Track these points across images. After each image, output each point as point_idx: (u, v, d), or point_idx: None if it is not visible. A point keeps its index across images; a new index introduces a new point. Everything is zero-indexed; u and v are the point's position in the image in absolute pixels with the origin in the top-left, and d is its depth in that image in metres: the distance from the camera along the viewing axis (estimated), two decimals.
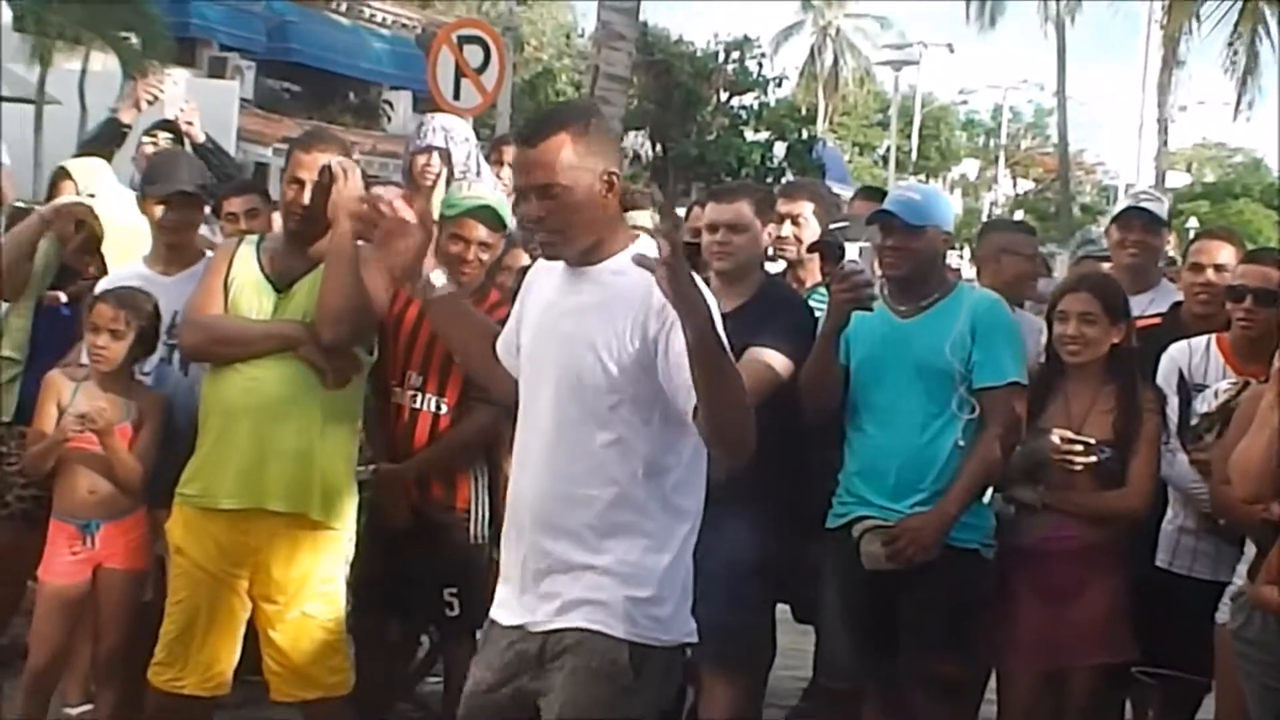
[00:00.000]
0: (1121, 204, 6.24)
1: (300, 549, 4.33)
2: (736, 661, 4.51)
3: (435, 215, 4.70)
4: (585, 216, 3.17)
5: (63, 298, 5.19)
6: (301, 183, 4.33)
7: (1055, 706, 4.60)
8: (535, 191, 3.16)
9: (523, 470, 3.29)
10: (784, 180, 25.01)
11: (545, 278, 3.36)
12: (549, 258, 3.30)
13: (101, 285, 4.81)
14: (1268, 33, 23.97)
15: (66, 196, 5.28)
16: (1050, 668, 4.52)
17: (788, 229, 5.16)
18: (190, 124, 6.18)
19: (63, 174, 5.56)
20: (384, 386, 4.67)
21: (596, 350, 3.14)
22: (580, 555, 3.17)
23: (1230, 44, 24.43)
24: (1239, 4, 22.54)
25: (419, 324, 4.62)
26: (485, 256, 4.72)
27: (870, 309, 4.28)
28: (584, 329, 3.18)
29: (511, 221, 4.86)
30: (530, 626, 3.23)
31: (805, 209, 5.22)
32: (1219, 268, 5.01)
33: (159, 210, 4.80)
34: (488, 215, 4.69)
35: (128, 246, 5.07)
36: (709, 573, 4.32)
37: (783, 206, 5.22)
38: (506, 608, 3.31)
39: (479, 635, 3.57)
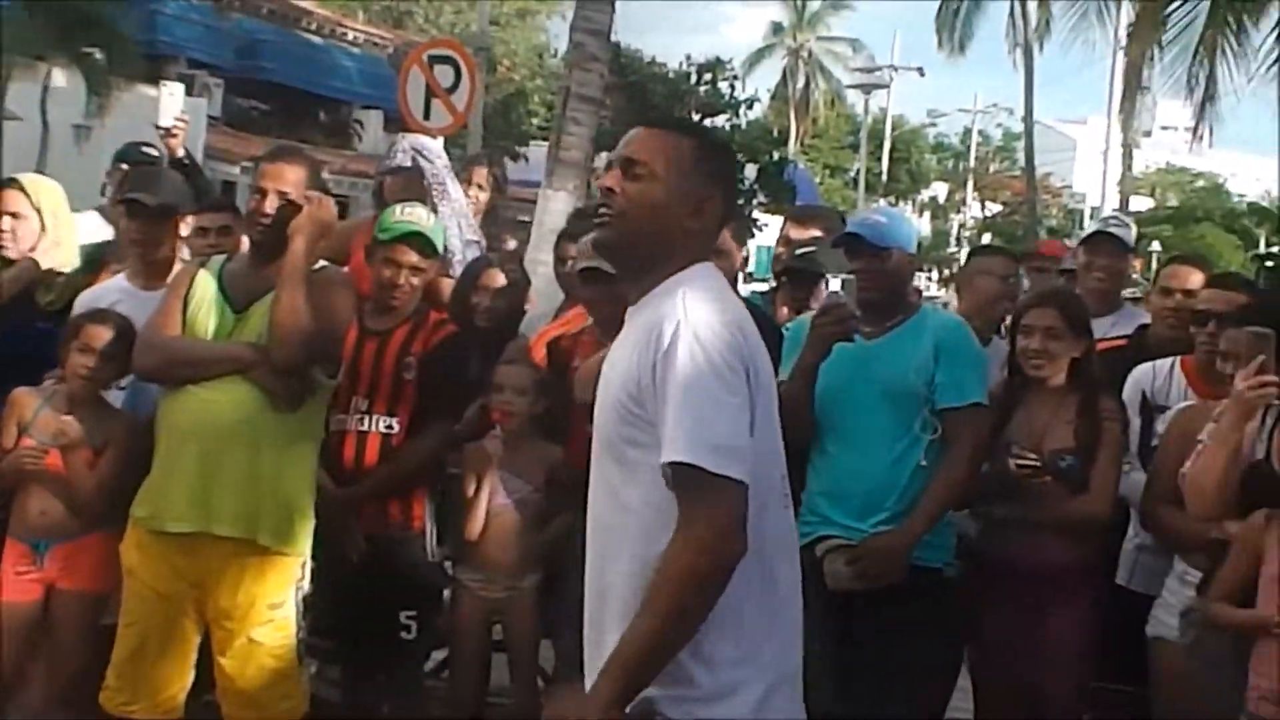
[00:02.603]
0: (1090, 228, 6.29)
1: (248, 574, 4.28)
2: None
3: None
4: (656, 220, 2.76)
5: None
6: (264, 192, 4.33)
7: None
8: (621, 163, 2.80)
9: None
10: (755, 202, 25.15)
11: None
12: (596, 244, 2.91)
13: (82, 300, 4.81)
14: (1226, 61, 24.25)
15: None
16: (1021, 683, 4.55)
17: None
18: (174, 137, 6.18)
19: (12, 184, 5.24)
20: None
21: (619, 393, 2.72)
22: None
23: (1189, 72, 24.67)
24: (1199, 33, 22.79)
25: (360, 348, 4.69)
26: (416, 281, 4.78)
27: (853, 340, 4.29)
28: (615, 371, 2.76)
29: (456, 245, 4.89)
30: None
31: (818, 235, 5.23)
32: (1188, 293, 5.06)
33: (124, 222, 4.81)
34: (419, 241, 4.73)
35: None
36: None
37: (794, 232, 5.23)
38: None
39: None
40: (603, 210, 2.82)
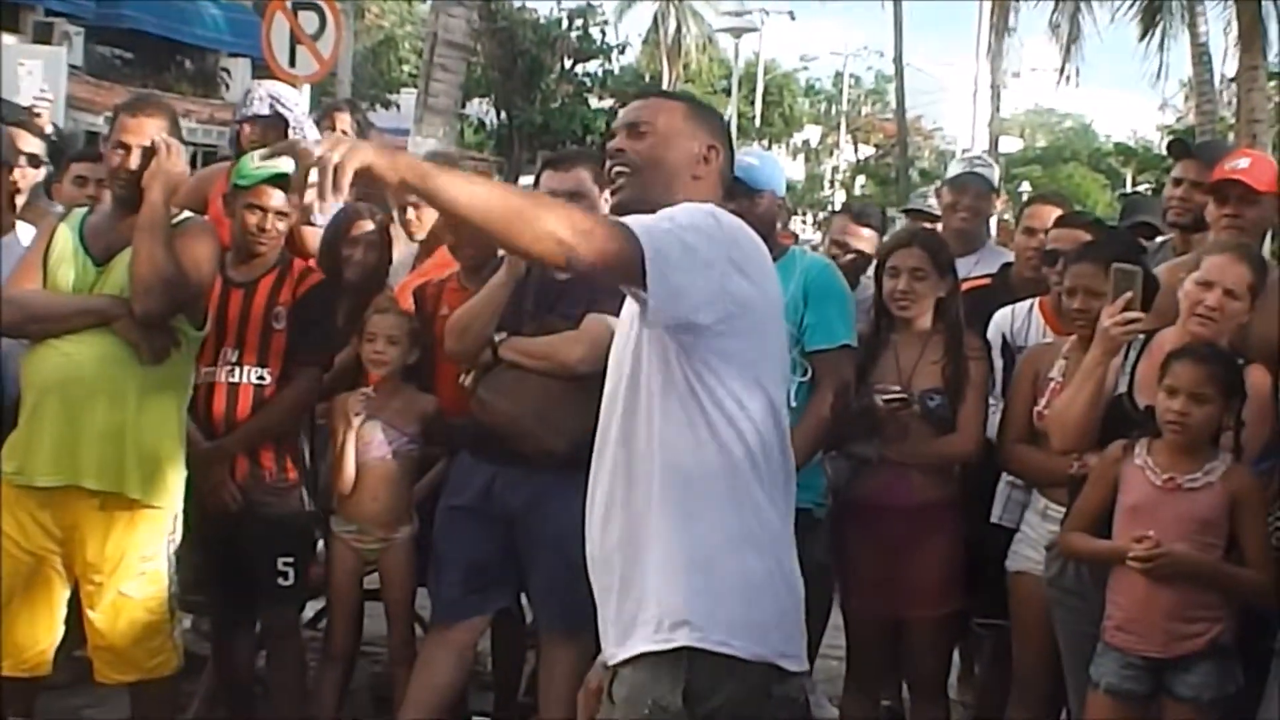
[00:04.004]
0: (955, 168, 6.35)
1: (116, 527, 4.26)
2: (575, 623, 4.55)
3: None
4: (667, 169, 2.92)
5: None
6: (128, 147, 4.28)
7: (894, 654, 4.76)
8: (625, 129, 2.96)
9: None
10: None
11: None
12: (616, 205, 2.96)
13: None
14: (1078, 2, 24.75)
15: None
16: (887, 617, 4.65)
17: None
18: (39, 116, 6.08)
19: None
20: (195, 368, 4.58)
21: (638, 340, 2.82)
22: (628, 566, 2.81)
23: (1054, 12, 25.13)
24: None
25: (225, 299, 4.63)
26: (282, 225, 4.72)
27: None
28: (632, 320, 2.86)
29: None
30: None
31: None
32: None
33: None
34: (282, 182, 4.64)
35: None
36: (547, 539, 4.42)
37: None
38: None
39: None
40: (616, 171, 2.94)
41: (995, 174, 6.11)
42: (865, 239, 5.78)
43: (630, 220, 2.64)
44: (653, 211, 2.83)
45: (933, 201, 6.84)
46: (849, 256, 5.66)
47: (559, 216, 2.55)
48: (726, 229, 2.75)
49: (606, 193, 3.04)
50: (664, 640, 2.73)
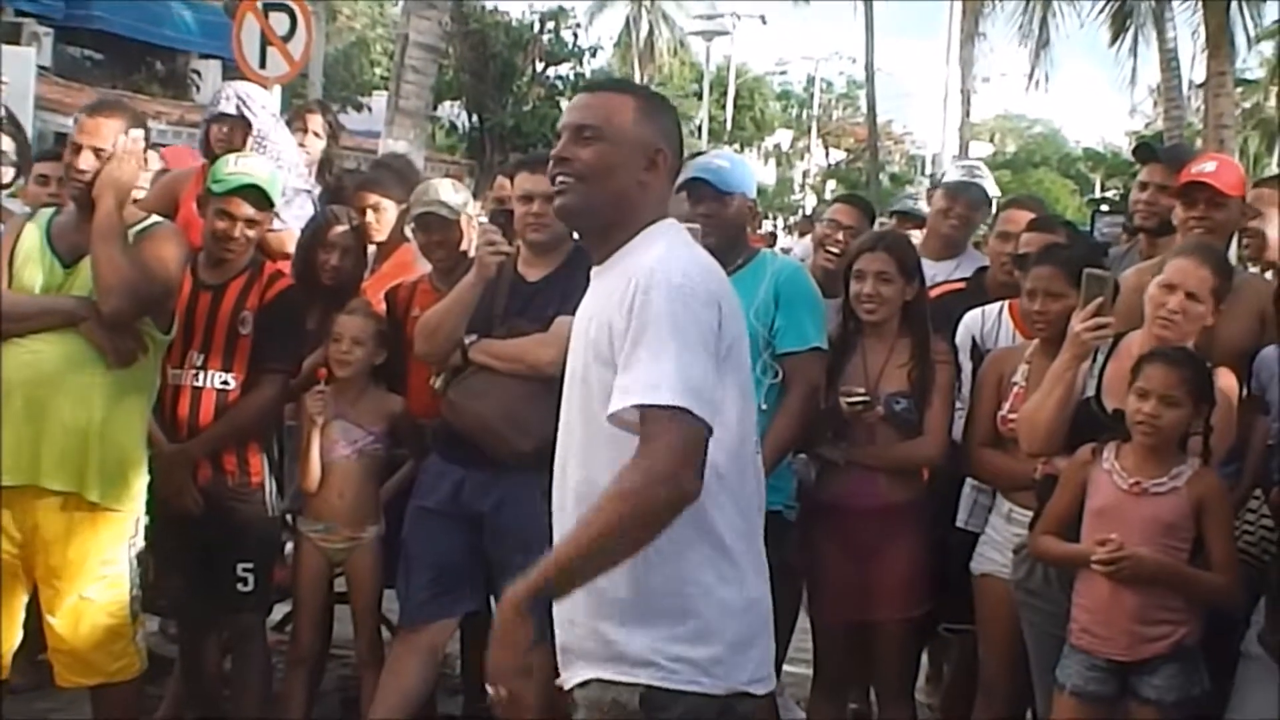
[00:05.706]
0: (953, 173, 6.25)
1: (78, 530, 4.23)
2: (544, 627, 4.53)
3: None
4: (614, 180, 2.80)
5: None
6: (79, 148, 4.26)
7: (861, 657, 4.75)
8: (571, 130, 2.83)
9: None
10: None
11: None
12: (559, 210, 2.92)
13: None
14: (1048, 6, 24.89)
15: None
16: (855, 620, 4.64)
17: None
18: None
19: None
20: (161, 369, 4.55)
21: (596, 336, 2.75)
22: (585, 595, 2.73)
23: (1023, 17, 25.25)
24: None
25: (194, 302, 4.61)
26: (252, 233, 4.70)
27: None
28: (590, 319, 2.80)
29: (279, 199, 4.83)
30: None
31: None
32: None
33: None
34: (254, 193, 4.63)
35: None
36: (515, 541, 4.40)
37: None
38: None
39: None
40: (560, 178, 2.84)
41: (991, 185, 6.05)
42: (853, 216, 5.78)
43: (648, 389, 2.55)
44: (595, 220, 2.84)
45: (921, 204, 6.82)
46: (840, 235, 5.66)
47: (648, 490, 2.53)
48: (701, 304, 2.67)
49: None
50: (625, 674, 2.71)
